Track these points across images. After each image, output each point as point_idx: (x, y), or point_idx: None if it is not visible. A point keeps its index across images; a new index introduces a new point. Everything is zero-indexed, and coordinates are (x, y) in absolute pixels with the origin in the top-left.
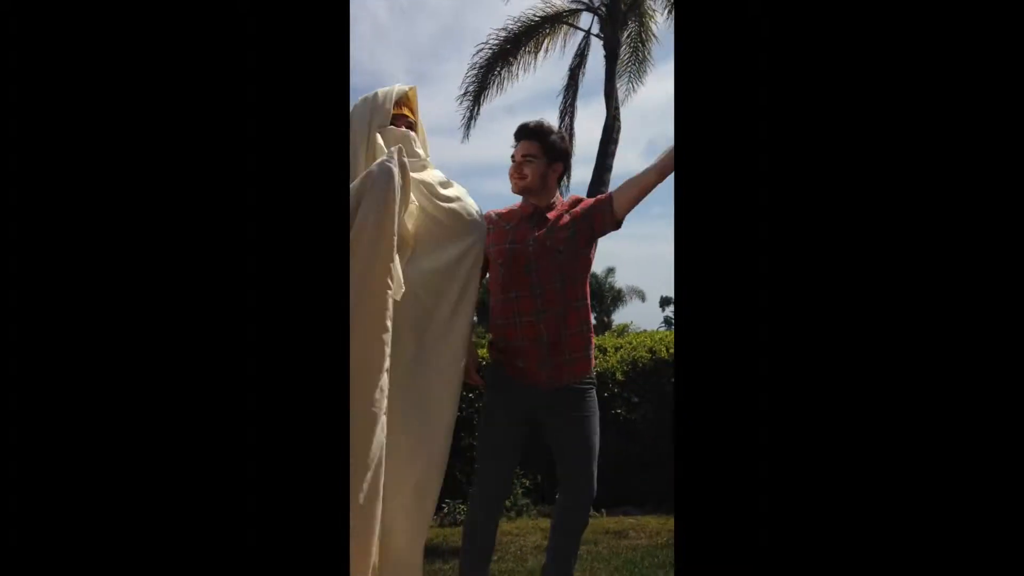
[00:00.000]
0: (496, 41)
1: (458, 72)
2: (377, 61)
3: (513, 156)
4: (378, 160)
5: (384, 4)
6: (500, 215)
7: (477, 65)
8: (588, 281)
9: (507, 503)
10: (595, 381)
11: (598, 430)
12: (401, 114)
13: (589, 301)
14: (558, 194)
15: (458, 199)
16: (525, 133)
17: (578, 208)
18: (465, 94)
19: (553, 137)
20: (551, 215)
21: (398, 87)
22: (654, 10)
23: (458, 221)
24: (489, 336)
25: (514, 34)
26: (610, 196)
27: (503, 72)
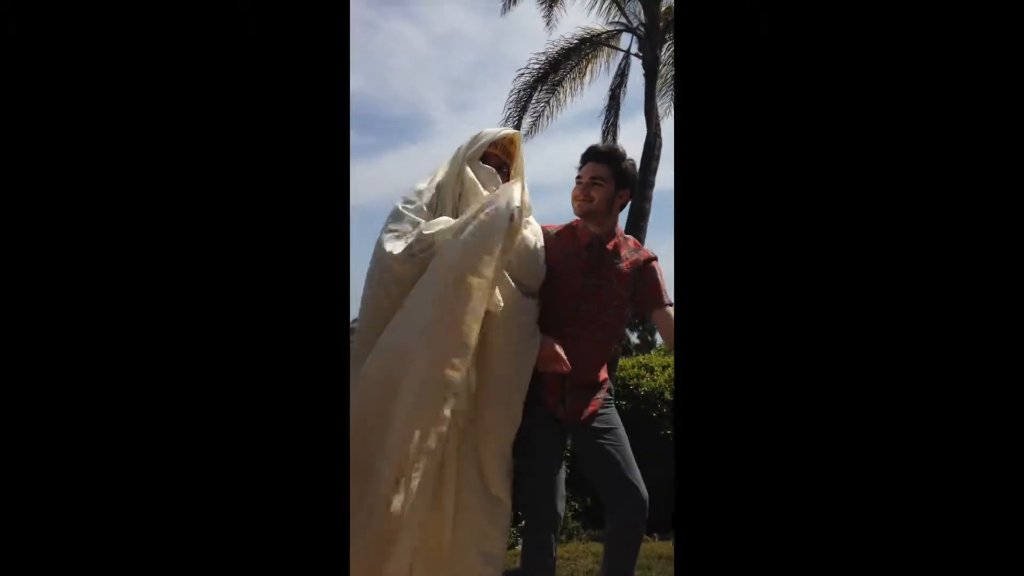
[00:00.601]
0: (536, 65)
1: (499, 99)
2: (417, 92)
3: (579, 177)
4: (503, 201)
5: (423, 36)
6: (558, 234)
7: (518, 90)
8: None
9: None
10: (613, 397)
11: (627, 440)
12: (493, 153)
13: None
14: (619, 225)
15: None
16: (595, 155)
17: (643, 271)
18: (507, 119)
19: (625, 163)
20: (610, 246)
21: (501, 130)
22: None
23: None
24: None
25: (553, 58)
26: (661, 302)
27: (544, 95)
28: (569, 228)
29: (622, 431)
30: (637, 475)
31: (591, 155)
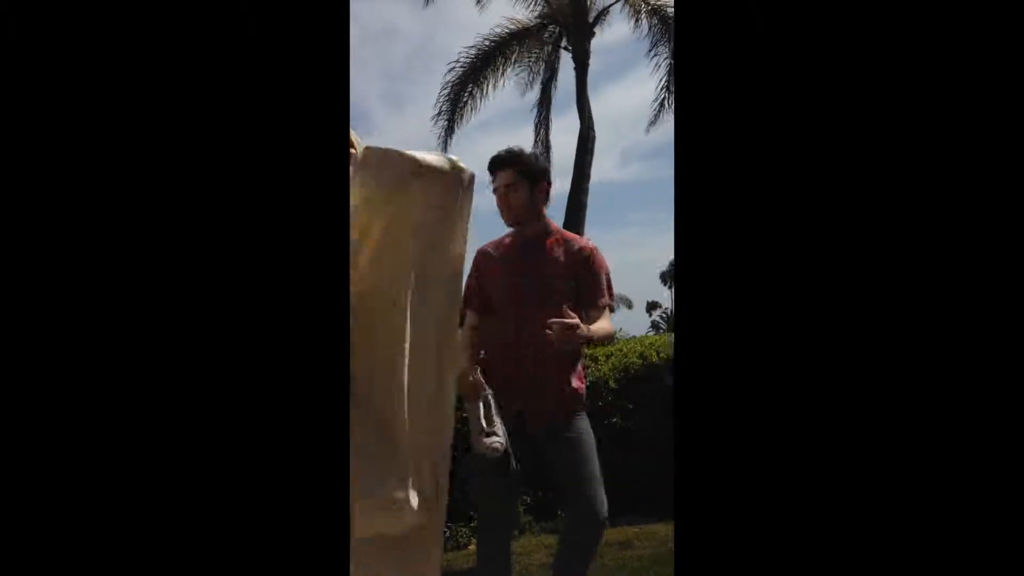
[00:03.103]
0: (467, 59)
1: (432, 93)
2: (352, 87)
3: (495, 189)
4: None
5: (356, 31)
6: (495, 247)
7: (449, 84)
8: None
9: None
10: (585, 409)
11: (589, 450)
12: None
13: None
14: (546, 216)
15: None
16: (498, 163)
17: (584, 264)
18: (439, 114)
19: (527, 160)
20: (548, 243)
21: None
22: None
23: None
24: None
25: (484, 51)
26: (595, 303)
27: (475, 90)
28: (504, 238)
29: (586, 439)
30: (594, 489)
31: (494, 165)
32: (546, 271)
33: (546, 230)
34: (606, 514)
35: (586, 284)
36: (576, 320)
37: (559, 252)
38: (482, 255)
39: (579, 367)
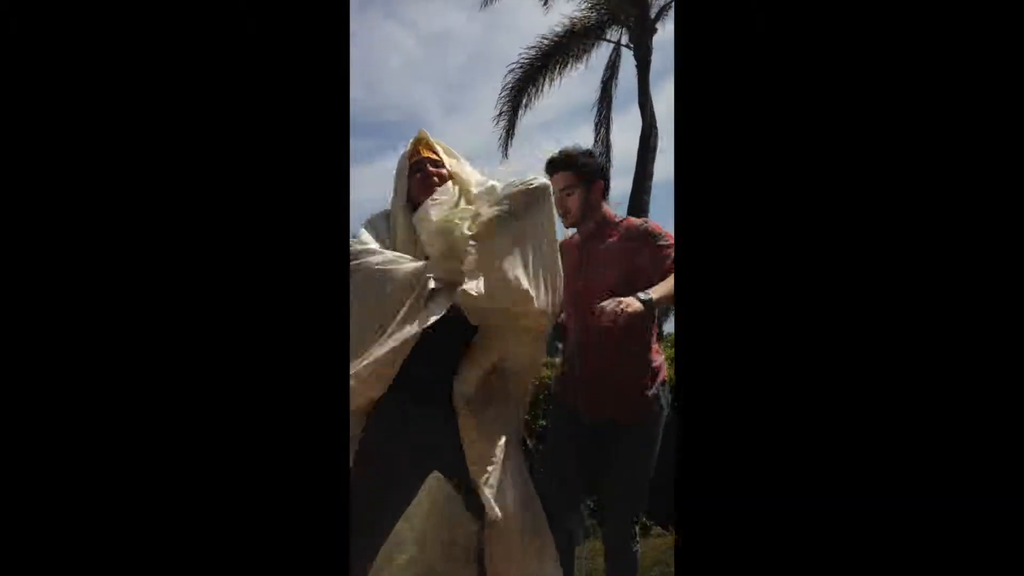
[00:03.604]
0: (527, 60)
1: (491, 98)
2: (409, 95)
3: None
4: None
5: (412, 37)
6: (565, 247)
7: (509, 85)
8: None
9: None
10: (651, 410)
11: (643, 466)
12: (422, 158)
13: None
14: (605, 208)
15: None
16: (553, 166)
17: (643, 242)
18: (500, 114)
19: (581, 160)
20: (607, 235)
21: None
22: None
23: None
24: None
25: (544, 52)
26: (667, 263)
27: (534, 91)
28: (570, 239)
29: (644, 452)
30: (627, 508)
31: (550, 168)
32: (603, 261)
33: (606, 223)
34: (633, 523)
35: (647, 254)
36: (620, 299)
37: (618, 240)
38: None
39: (651, 364)
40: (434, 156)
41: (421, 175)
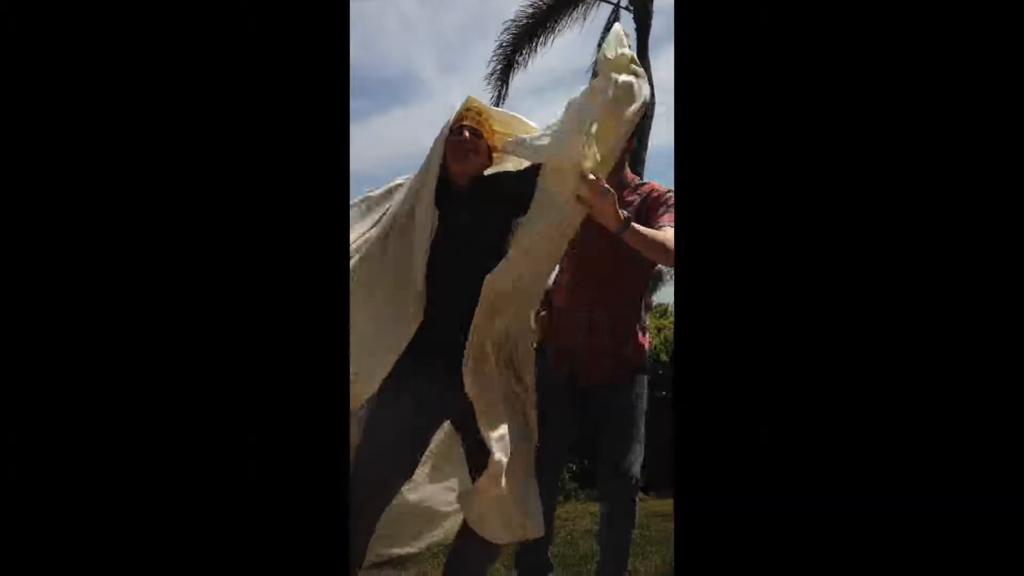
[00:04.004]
0: (523, 19)
1: (487, 58)
2: (407, 55)
3: None
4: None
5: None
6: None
7: (503, 44)
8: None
9: None
10: (643, 370)
11: (635, 421)
12: (463, 125)
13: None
14: (626, 171)
15: None
16: None
17: (646, 203)
18: (492, 74)
19: None
20: (626, 199)
21: (453, 112)
22: None
23: None
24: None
25: (540, 10)
26: (663, 218)
27: (528, 51)
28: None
29: (637, 403)
30: (627, 455)
31: None
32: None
33: (623, 185)
34: (637, 474)
35: (646, 209)
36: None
37: (636, 205)
38: None
39: (640, 327)
40: (474, 126)
41: (456, 140)
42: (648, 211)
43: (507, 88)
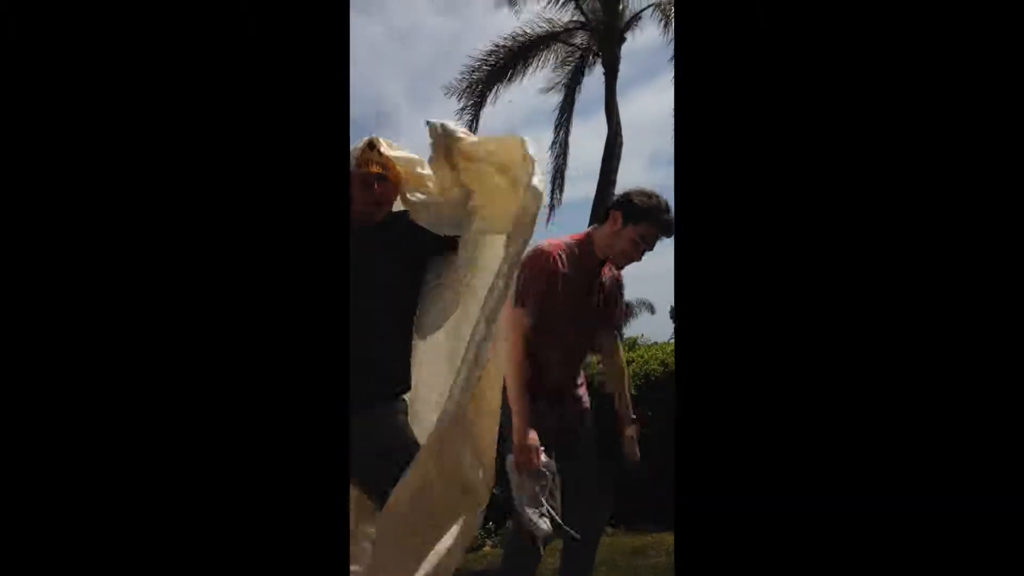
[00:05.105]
0: (497, 58)
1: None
2: (376, 85)
3: (637, 239)
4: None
5: (381, 31)
6: (569, 259)
7: (476, 81)
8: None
9: None
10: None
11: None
12: (370, 172)
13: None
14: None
15: None
16: (635, 217)
17: (615, 289)
18: (463, 109)
19: (630, 199)
20: (608, 272)
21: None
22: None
23: None
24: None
25: (512, 51)
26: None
27: (500, 89)
28: (583, 244)
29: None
30: (602, 515)
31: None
32: (604, 295)
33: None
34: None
35: (613, 307)
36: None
37: (608, 277)
38: (555, 261)
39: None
40: (377, 169)
41: (362, 185)
42: (614, 309)
43: (477, 124)
